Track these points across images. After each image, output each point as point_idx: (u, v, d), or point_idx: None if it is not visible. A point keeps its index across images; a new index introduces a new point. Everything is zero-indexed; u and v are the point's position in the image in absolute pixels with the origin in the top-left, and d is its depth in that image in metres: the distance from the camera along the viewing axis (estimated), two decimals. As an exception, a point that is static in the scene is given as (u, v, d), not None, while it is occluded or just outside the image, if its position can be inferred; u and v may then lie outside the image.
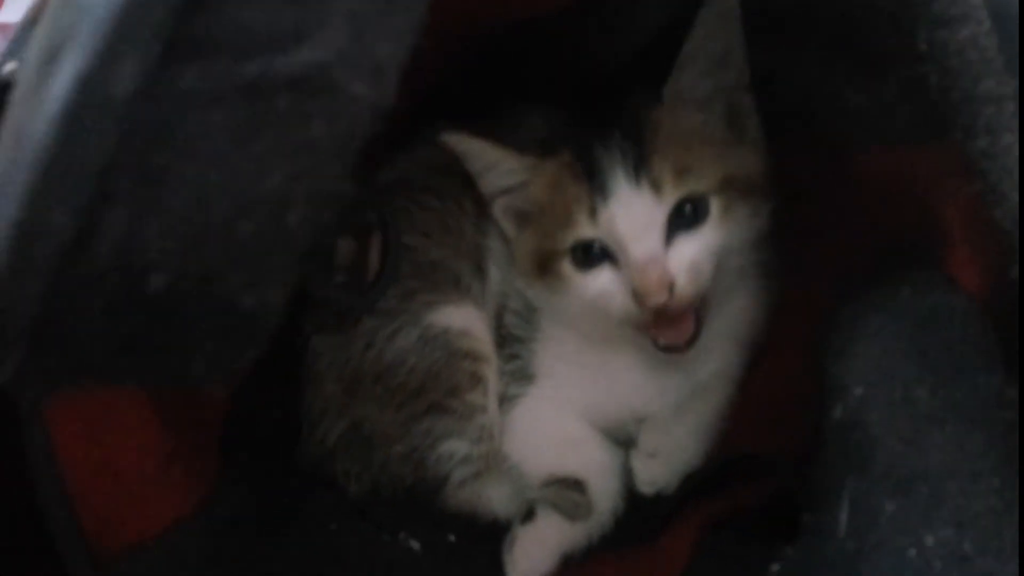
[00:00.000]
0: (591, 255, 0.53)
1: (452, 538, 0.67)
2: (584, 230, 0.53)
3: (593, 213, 0.52)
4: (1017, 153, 0.34)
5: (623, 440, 0.63)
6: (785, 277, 0.57)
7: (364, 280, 0.52)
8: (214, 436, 0.56)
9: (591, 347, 0.60)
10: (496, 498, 0.64)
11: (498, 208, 0.59)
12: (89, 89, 0.20)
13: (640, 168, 0.51)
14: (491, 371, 0.62)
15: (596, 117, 0.55)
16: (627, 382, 0.60)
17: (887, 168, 0.43)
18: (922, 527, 0.35)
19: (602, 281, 0.53)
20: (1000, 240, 0.35)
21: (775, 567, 0.41)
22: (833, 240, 0.50)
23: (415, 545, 0.66)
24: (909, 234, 0.43)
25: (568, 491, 0.59)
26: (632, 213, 0.51)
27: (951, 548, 0.34)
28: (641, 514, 0.61)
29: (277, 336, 0.60)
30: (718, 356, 0.59)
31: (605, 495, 0.60)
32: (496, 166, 0.56)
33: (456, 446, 0.61)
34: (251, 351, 0.27)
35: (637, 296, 0.50)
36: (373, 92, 0.26)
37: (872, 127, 0.43)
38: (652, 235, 0.51)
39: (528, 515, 0.63)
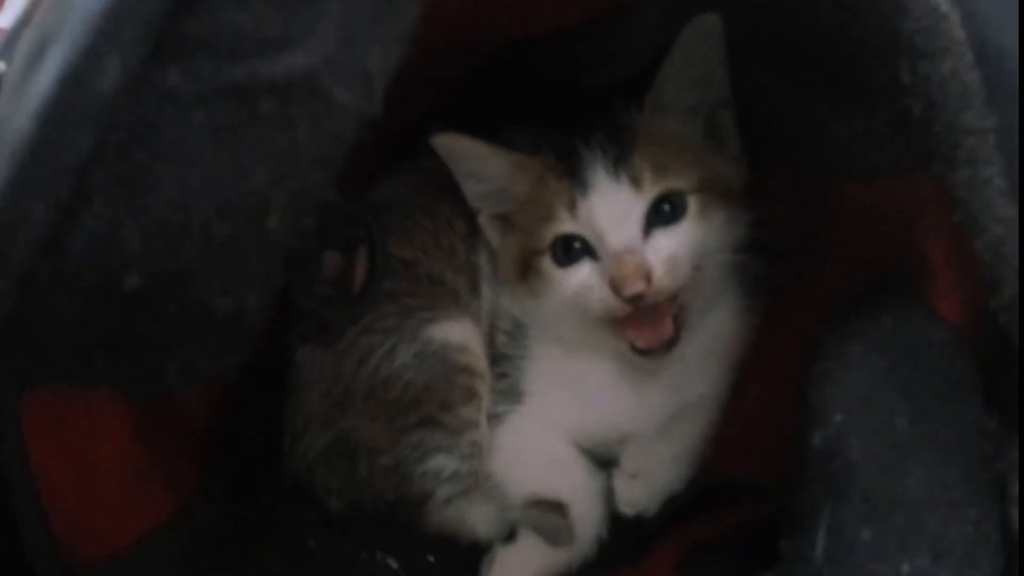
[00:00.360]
0: (571, 252, 0.54)
1: (431, 559, 0.66)
2: (564, 224, 0.54)
3: (573, 207, 0.53)
4: (998, 185, 0.35)
5: (607, 461, 0.63)
6: (770, 303, 0.58)
7: (349, 293, 0.52)
8: (194, 447, 0.56)
9: (577, 364, 0.60)
10: (478, 519, 0.64)
11: (484, 217, 0.60)
12: (73, 84, 0.20)
13: (620, 163, 0.53)
14: (485, 387, 0.62)
15: (578, 120, 0.56)
16: (612, 399, 0.60)
17: (871, 198, 0.44)
18: (898, 555, 0.35)
19: (582, 275, 0.54)
20: (980, 271, 0.36)
21: (754, 594, 0.41)
22: (817, 268, 0.51)
23: (393, 564, 0.65)
24: (892, 264, 0.44)
25: (549, 513, 0.59)
26: (610, 205, 0.52)
27: (927, 577, 0.34)
28: (622, 537, 0.61)
29: (264, 348, 0.60)
30: (702, 377, 0.59)
31: (587, 520, 0.59)
32: (485, 165, 0.57)
33: (444, 462, 0.61)
34: (228, 357, 0.27)
35: (614, 285, 0.51)
36: (360, 100, 0.26)
37: (857, 157, 0.44)
38: (630, 226, 0.52)
39: (511, 537, 0.63)
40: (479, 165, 0.57)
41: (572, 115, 0.58)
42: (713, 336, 0.58)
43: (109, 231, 0.22)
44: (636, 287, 0.50)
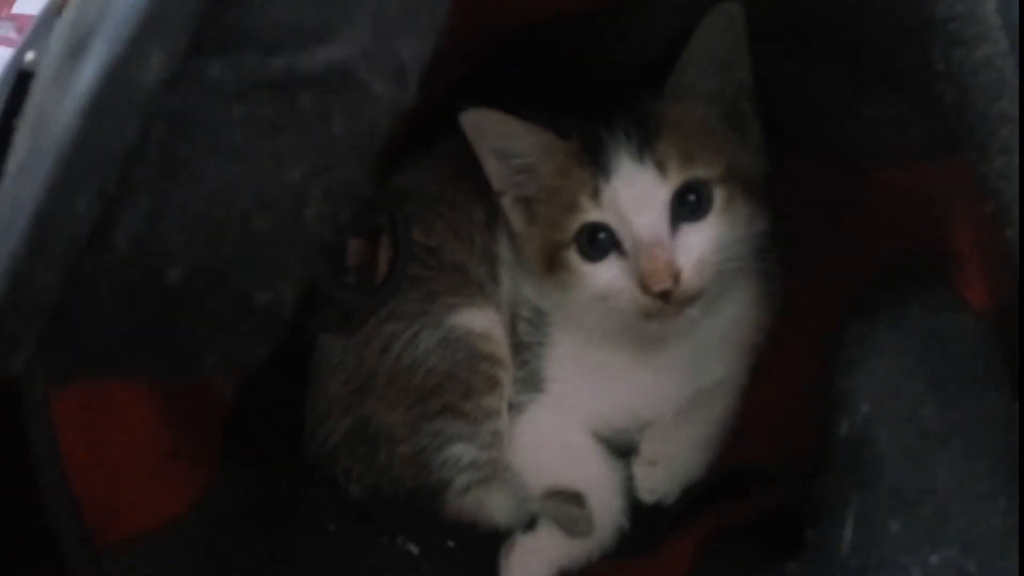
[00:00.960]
0: (597, 244, 0.54)
1: (451, 544, 0.67)
2: (588, 213, 0.53)
3: (596, 194, 0.53)
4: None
5: (627, 449, 0.63)
6: (792, 289, 0.57)
7: (373, 281, 0.52)
8: (217, 432, 0.56)
9: (597, 350, 0.60)
10: (498, 507, 0.64)
11: (508, 200, 0.59)
12: (117, 77, 0.20)
13: (644, 148, 0.52)
14: (507, 376, 0.62)
15: (602, 107, 0.56)
16: (631, 384, 0.60)
17: (898, 184, 0.43)
18: (927, 546, 0.35)
19: (610, 273, 0.54)
20: (1010, 260, 0.35)
21: (778, 582, 0.41)
22: (842, 254, 0.50)
23: (413, 549, 0.66)
24: (919, 251, 0.43)
25: (567, 504, 0.59)
26: (634, 189, 0.52)
27: (955, 568, 0.34)
28: (641, 524, 0.61)
29: (285, 333, 0.61)
30: (720, 362, 0.59)
31: (605, 511, 0.59)
32: (513, 141, 0.56)
33: (464, 450, 0.61)
34: (263, 346, 0.27)
35: (643, 280, 0.51)
36: (394, 91, 0.26)
37: (885, 143, 0.43)
38: (655, 212, 0.51)
39: (531, 524, 0.63)
40: (507, 142, 0.56)
41: (593, 101, 0.57)
42: (731, 321, 0.58)
43: (152, 224, 0.22)
44: (664, 284, 0.50)
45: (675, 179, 0.52)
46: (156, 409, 0.47)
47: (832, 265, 0.52)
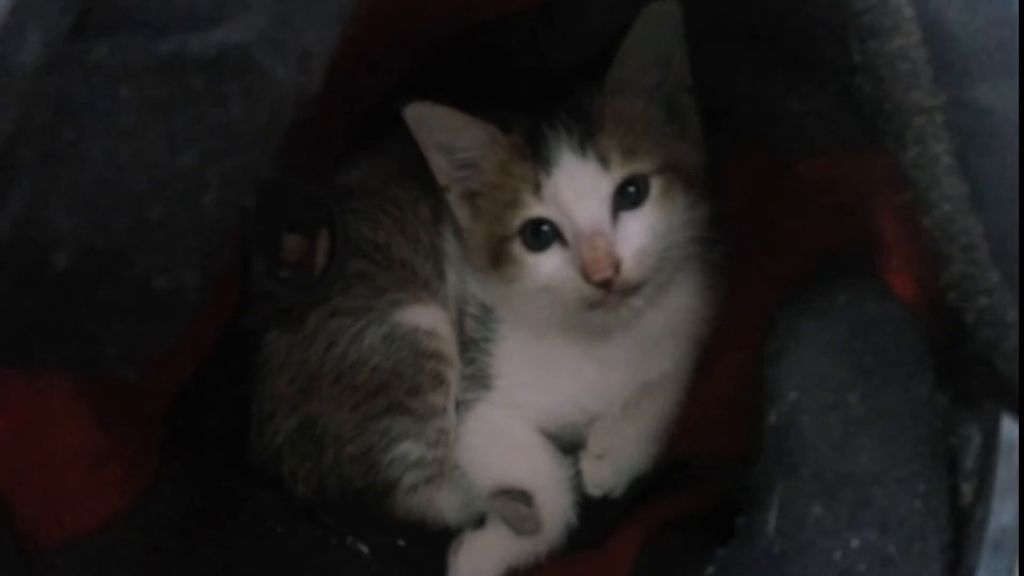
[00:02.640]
0: (540, 235, 0.54)
1: (401, 542, 0.67)
2: (531, 208, 0.54)
3: (538, 189, 0.53)
4: (945, 163, 0.35)
5: (575, 445, 0.63)
6: (732, 281, 0.58)
7: (310, 276, 0.51)
8: (155, 433, 0.55)
9: (544, 345, 0.60)
10: (447, 505, 0.64)
11: (453, 195, 0.59)
12: (-10, 59, 0.19)
13: (586, 142, 0.52)
14: (454, 374, 0.62)
15: (543, 102, 0.56)
16: (577, 378, 0.60)
17: (825, 176, 0.44)
18: (847, 530, 0.35)
19: (553, 263, 0.54)
20: (930, 248, 0.36)
21: (710, 569, 0.41)
22: (776, 247, 0.51)
23: (363, 548, 0.65)
24: (847, 240, 0.44)
25: (515, 503, 0.59)
26: (577, 182, 0.52)
27: (875, 551, 0.35)
28: (589, 518, 0.61)
29: (228, 332, 0.60)
30: (665, 355, 0.59)
31: (554, 509, 0.59)
32: (457, 135, 0.56)
33: (411, 448, 0.61)
34: (167, 337, 0.27)
35: (584, 270, 0.51)
36: (298, 77, 0.26)
37: (812, 136, 0.44)
38: (596, 204, 0.52)
39: (481, 522, 0.63)
40: (451, 135, 0.56)
41: (534, 98, 0.57)
42: (675, 314, 0.58)
43: (36, 208, 0.21)
44: (605, 273, 0.50)
45: (617, 172, 0.52)
46: (88, 410, 0.46)
47: (768, 257, 0.53)
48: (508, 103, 0.59)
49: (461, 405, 0.63)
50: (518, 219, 0.54)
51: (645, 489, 0.60)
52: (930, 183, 0.35)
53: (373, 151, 0.66)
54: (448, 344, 0.61)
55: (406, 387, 0.59)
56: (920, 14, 0.35)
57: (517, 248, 0.55)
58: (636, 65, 0.54)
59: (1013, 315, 0.34)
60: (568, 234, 0.53)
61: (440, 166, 0.58)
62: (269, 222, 0.49)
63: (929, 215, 0.35)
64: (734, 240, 0.57)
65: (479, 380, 0.62)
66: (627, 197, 0.53)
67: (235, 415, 0.64)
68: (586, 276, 0.51)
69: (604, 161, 0.52)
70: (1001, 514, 0.35)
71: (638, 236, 0.52)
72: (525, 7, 0.50)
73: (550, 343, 0.60)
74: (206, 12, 0.23)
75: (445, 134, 0.56)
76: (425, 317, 0.61)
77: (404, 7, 0.51)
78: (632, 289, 0.52)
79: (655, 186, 0.53)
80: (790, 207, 0.48)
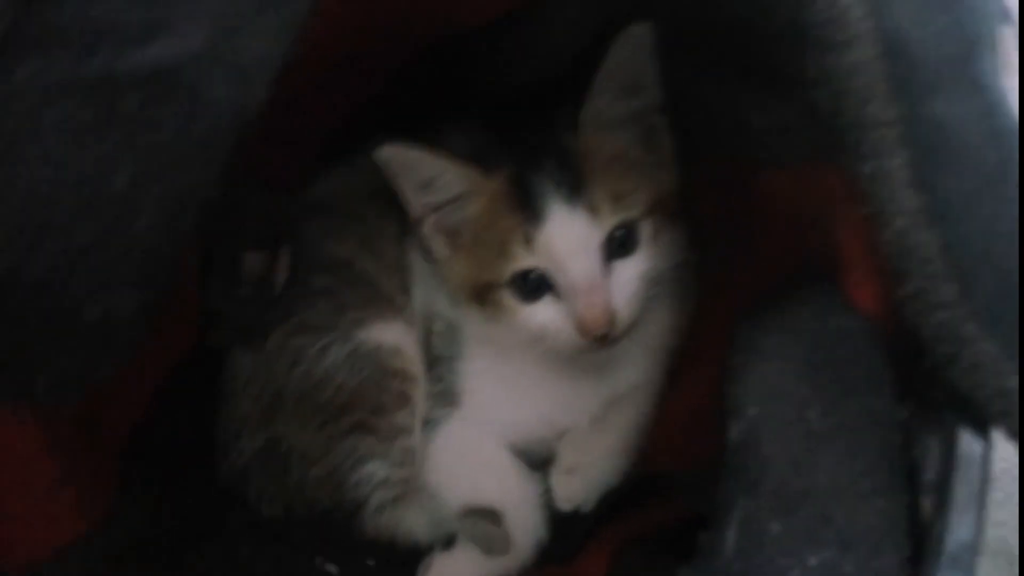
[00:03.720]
0: (532, 286, 0.53)
1: (371, 562, 0.66)
2: (522, 260, 0.52)
3: (528, 241, 0.52)
4: (902, 177, 0.35)
5: (545, 461, 0.63)
6: (700, 294, 0.58)
7: (271, 294, 0.51)
8: (113, 458, 0.54)
9: (512, 362, 0.59)
10: (416, 525, 0.63)
11: (428, 226, 0.57)
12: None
13: (575, 193, 0.51)
14: (419, 392, 0.61)
15: (522, 141, 0.55)
16: (547, 393, 0.60)
17: (787, 191, 0.44)
18: (806, 547, 0.35)
19: (546, 314, 0.53)
20: (888, 262, 0.36)
21: (672, 587, 0.41)
22: (742, 261, 0.51)
23: (332, 569, 0.65)
24: (810, 255, 0.44)
25: (484, 522, 0.58)
26: (568, 235, 0.51)
27: (833, 569, 0.34)
28: (558, 534, 0.60)
29: (192, 351, 0.59)
30: (634, 369, 0.59)
31: (523, 527, 0.59)
32: (436, 177, 0.54)
33: (377, 468, 0.60)
34: (105, 365, 0.26)
35: (581, 327, 0.51)
36: (237, 96, 0.25)
37: (774, 150, 0.44)
38: (590, 257, 0.51)
39: (451, 541, 0.62)
40: (428, 176, 0.54)
41: (503, 114, 0.57)
42: (644, 327, 0.58)
43: (-45, 234, 0.21)
44: (603, 328, 0.50)
45: (607, 222, 0.51)
46: (37, 434, 0.45)
47: (735, 271, 0.53)
48: (480, 119, 0.58)
49: (429, 423, 0.62)
50: (508, 270, 0.53)
51: (614, 504, 0.59)
52: (887, 197, 0.35)
53: (341, 165, 0.65)
54: (413, 363, 0.61)
55: (370, 406, 0.59)
56: (877, 28, 0.35)
57: (507, 297, 0.54)
58: (613, 94, 0.53)
59: (970, 329, 0.34)
60: (561, 286, 0.52)
61: (416, 201, 0.56)
62: (228, 240, 0.48)
63: (886, 229, 0.35)
64: (702, 255, 0.56)
65: (446, 397, 0.62)
66: (617, 242, 0.52)
67: (201, 434, 0.63)
68: (583, 333, 0.51)
69: (594, 211, 0.51)
70: (959, 529, 0.35)
71: (629, 284, 0.52)
72: (485, 21, 0.49)
73: (518, 360, 0.59)
74: (138, 28, 0.22)
75: (420, 175, 0.54)
76: (389, 335, 0.60)
77: (368, 19, 0.50)
78: (623, 333, 0.52)
79: (644, 231, 0.53)
80: (755, 221, 0.48)
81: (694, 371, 0.58)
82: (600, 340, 0.51)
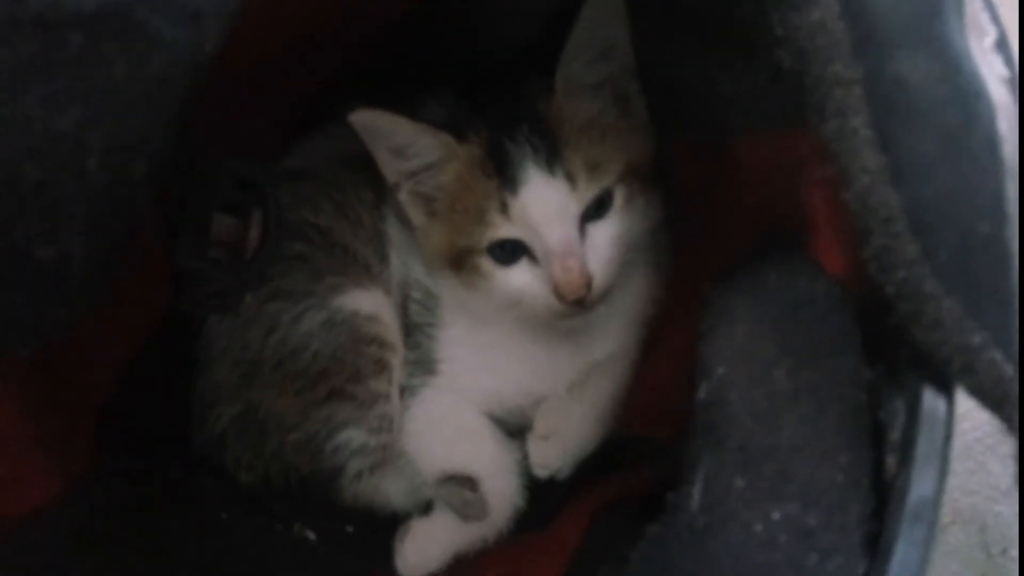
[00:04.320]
0: (508, 249, 0.53)
1: (350, 529, 0.66)
2: (498, 228, 0.53)
3: (504, 208, 0.52)
4: (864, 135, 0.35)
5: (522, 428, 0.63)
6: (676, 262, 0.58)
7: (241, 258, 0.51)
8: (90, 421, 0.54)
9: (490, 329, 0.60)
10: (394, 492, 0.64)
11: (404, 193, 0.57)
12: None
13: (552, 160, 0.51)
14: (396, 359, 0.62)
15: (497, 108, 0.55)
16: (524, 361, 0.60)
17: (757, 154, 0.44)
18: (769, 502, 0.35)
19: (523, 278, 0.54)
20: (852, 222, 0.36)
21: (640, 545, 0.41)
22: (713, 227, 0.51)
23: (310, 535, 0.65)
24: (780, 219, 0.44)
25: (461, 489, 0.59)
26: (545, 202, 0.51)
27: (796, 523, 0.35)
28: (535, 500, 0.61)
29: (167, 318, 0.59)
30: (611, 336, 0.60)
31: (500, 494, 0.59)
32: (409, 144, 0.54)
33: (354, 435, 0.61)
34: (58, 311, 0.26)
35: (558, 291, 0.51)
36: (189, 39, 0.25)
37: (742, 114, 0.44)
38: (567, 224, 0.51)
39: (429, 508, 0.62)
40: (403, 142, 0.54)
41: (481, 87, 0.57)
42: (621, 295, 0.58)
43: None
44: (579, 292, 0.51)
45: (585, 190, 0.52)
46: (11, 397, 0.45)
47: (709, 238, 0.53)
48: (455, 88, 0.58)
49: (406, 391, 0.62)
50: (485, 238, 0.53)
51: (591, 470, 0.60)
52: (850, 156, 0.35)
53: (317, 133, 0.65)
54: (390, 330, 0.61)
55: (347, 373, 0.59)
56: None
57: (484, 262, 0.54)
58: (586, 59, 0.53)
59: (931, 287, 0.35)
60: (538, 252, 0.53)
61: (391, 168, 0.56)
62: (199, 199, 0.48)
63: (849, 188, 0.35)
64: (678, 220, 0.57)
65: (423, 365, 0.62)
66: (592, 208, 0.53)
67: (177, 401, 0.63)
68: (559, 296, 0.51)
69: (571, 179, 0.52)
70: (921, 485, 0.36)
71: (605, 248, 0.52)
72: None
73: (495, 327, 0.60)
74: (83, -33, 0.22)
75: (396, 140, 0.54)
76: (366, 302, 0.60)
77: None
78: (600, 298, 0.53)
79: (619, 195, 0.53)
80: (727, 188, 0.48)
81: (669, 339, 0.58)
82: (576, 304, 0.51)
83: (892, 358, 0.39)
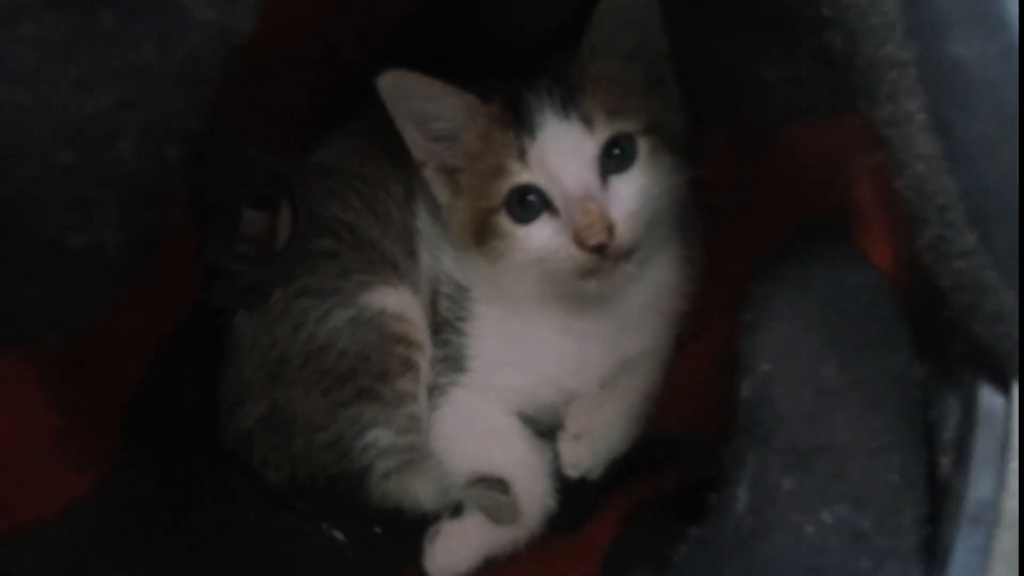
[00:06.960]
0: (527, 205, 0.52)
1: (378, 529, 0.65)
2: (516, 176, 0.52)
3: (523, 154, 0.51)
4: (919, 120, 0.34)
5: (552, 427, 0.62)
6: (711, 256, 0.56)
7: (270, 252, 0.50)
8: (116, 415, 0.54)
9: (521, 322, 0.59)
10: (422, 492, 0.63)
11: (430, 170, 0.57)
12: None
13: (568, 104, 0.51)
14: (423, 359, 0.60)
15: (520, 71, 0.54)
16: (556, 355, 0.59)
17: (802, 143, 0.43)
18: (820, 504, 0.34)
19: (544, 233, 0.52)
20: (905, 210, 0.35)
21: (682, 548, 0.40)
22: (754, 218, 0.50)
23: (339, 535, 0.64)
24: (825, 208, 0.43)
25: (492, 491, 0.57)
26: (561, 145, 0.51)
27: (848, 525, 0.33)
28: (566, 502, 0.60)
29: (194, 313, 0.58)
30: (644, 332, 0.58)
31: (532, 496, 0.58)
32: (433, 105, 0.53)
33: (381, 435, 0.60)
34: (89, 301, 0.25)
35: (577, 235, 0.49)
36: (223, 18, 0.24)
37: (787, 101, 0.43)
38: (584, 167, 0.50)
39: (458, 509, 0.61)
40: (427, 105, 0.53)
41: (510, 65, 0.56)
42: (653, 290, 0.57)
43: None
44: (600, 236, 0.49)
45: (602, 133, 0.51)
46: (40, 393, 0.45)
47: (747, 229, 0.51)
48: (484, 72, 0.57)
49: (435, 390, 0.61)
50: (503, 187, 0.52)
51: (622, 470, 0.58)
52: (903, 141, 0.33)
53: (345, 129, 0.64)
54: (417, 328, 0.60)
55: (374, 372, 0.58)
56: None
57: (504, 221, 0.53)
58: (612, 26, 0.52)
59: (990, 278, 0.33)
60: (557, 201, 0.51)
61: (415, 140, 0.55)
62: (228, 194, 0.47)
63: (902, 175, 0.34)
64: (713, 213, 0.55)
65: (453, 363, 0.61)
66: (613, 159, 0.51)
67: (205, 398, 0.63)
68: (580, 242, 0.49)
69: (588, 122, 0.51)
70: (979, 487, 0.34)
71: (629, 199, 0.51)
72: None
73: (527, 320, 0.58)
74: (115, -56, 0.21)
75: (421, 103, 0.53)
76: (393, 300, 0.59)
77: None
78: (625, 254, 0.51)
79: (642, 147, 0.52)
80: (767, 176, 0.46)
81: (704, 335, 0.57)
82: (598, 253, 0.50)
83: (942, 354, 0.38)
